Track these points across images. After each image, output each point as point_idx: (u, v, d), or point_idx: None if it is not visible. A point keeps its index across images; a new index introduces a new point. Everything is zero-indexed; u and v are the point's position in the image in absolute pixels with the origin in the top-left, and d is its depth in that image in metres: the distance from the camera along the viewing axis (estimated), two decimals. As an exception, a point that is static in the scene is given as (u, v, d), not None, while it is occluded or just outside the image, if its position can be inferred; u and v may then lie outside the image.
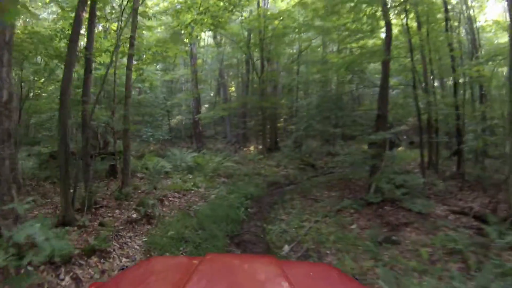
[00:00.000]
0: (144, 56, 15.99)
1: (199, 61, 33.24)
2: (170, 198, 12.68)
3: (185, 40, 18.88)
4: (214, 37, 33.41)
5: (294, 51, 31.22)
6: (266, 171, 19.43)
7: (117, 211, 10.69)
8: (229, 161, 19.62)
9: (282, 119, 33.93)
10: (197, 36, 17.36)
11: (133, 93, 23.13)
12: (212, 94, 36.54)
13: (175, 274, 2.78)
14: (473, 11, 21.32)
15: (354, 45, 19.30)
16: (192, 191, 14.10)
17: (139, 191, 13.08)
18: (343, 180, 17.06)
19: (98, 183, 13.37)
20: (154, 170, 15.77)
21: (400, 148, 28.93)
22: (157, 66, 34.76)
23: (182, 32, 17.34)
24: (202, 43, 38.60)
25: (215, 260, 3.35)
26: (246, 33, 25.08)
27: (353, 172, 17.68)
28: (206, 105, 40.15)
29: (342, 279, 3.20)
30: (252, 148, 29.31)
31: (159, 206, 11.16)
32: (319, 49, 30.78)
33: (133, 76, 16.18)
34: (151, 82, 20.44)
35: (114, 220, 9.79)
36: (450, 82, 22.74)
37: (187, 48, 25.16)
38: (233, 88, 41.45)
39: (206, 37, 38.64)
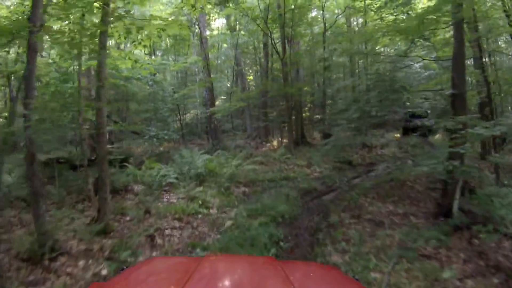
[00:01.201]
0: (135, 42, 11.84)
1: (213, 49, 29.33)
2: (167, 231, 8.79)
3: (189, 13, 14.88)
4: (227, 18, 29.27)
5: (317, 30, 26.90)
6: (295, 174, 15.56)
7: (81, 262, 6.90)
8: (249, 163, 15.67)
9: (306, 108, 29.69)
10: (202, 9, 13.16)
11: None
12: (228, 84, 32.33)
13: (175, 274, 2.74)
14: None
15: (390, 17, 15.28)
16: (200, 216, 10.14)
17: (127, 219, 9.18)
18: (395, 183, 13.06)
19: (74, 206, 9.66)
20: (154, 182, 11.99)
21: (437, 136, 26.02)
22: (169, 57, 31.44)
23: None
24: (215, 31, 34.70)
25: (215, 260, 3.34)
26: (262, 7, 20.64)
27: (404, 172, 14.00)
28: (223, 97, 36.34)
29: (342, 279, 3.12)
30: (275, 143, 25.49)
31: (146, 249, 7.27)
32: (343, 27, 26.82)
33: (128, 64, 13.68)
34: (151, 72, 16.58)
35: (72, 283, 6.12)
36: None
37: (193, 29, 21.28)
38: (251, 77, 37.36)
39: (220, 23, 34.76)
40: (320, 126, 27.46)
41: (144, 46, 12.21)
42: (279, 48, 21.90)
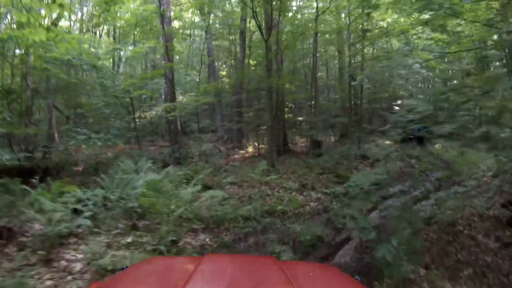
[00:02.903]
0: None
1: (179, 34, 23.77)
2: None
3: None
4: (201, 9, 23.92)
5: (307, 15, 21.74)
6: (284, 204, 10.39)
7: None
8: (216, 190, 10.15)
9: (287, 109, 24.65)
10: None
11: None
12: (199, 79, 26.74)
13: (175, 274, 2.67)
14: None
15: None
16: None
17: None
18: (441, 228, 8.11)
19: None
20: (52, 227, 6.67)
21: (438, 146, 22.29)
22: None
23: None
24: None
25: (214, 260, 3.18)
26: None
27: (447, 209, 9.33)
28: (192, 93, 30.64)
29: (342, 279, 2.96)
30: (250, 148, 20.25)
31: None
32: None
33: (42, 36, 8.10)
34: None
35: None
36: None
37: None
38: (224, 73, 31.72)
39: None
40: (304, 131, 22.26)
41: (60, 5, 6.90)
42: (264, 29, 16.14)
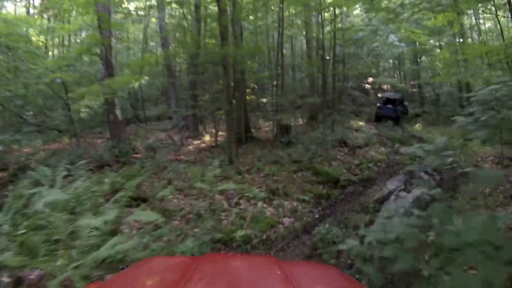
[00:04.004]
0: None
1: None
2: None
3: None
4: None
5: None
6: (248, 225, 7.15)
7: None
8: (156, 198, 7.06)
9: (249, 90, 21.34)
10: None
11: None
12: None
13: (175, 274, 2.48)
14: None
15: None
16: None
17: None
18: None
19: None
20: None
21: (417, 126, 21.13)
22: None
23: None
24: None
25: (215, 260, 3.12)
26: None
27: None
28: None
29: (342, 279, 2.89)
30: (207, 137, 17.00)
31: None
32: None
33: None
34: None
35: None
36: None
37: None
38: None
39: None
40: (269, 114, 19.00)
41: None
42: None
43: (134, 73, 13.94)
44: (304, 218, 7.64)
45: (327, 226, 6.74)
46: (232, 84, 12.60)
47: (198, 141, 16.43)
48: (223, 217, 7.33)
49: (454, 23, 18.79)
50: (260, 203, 8.16)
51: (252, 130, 17.19)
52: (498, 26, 16.02)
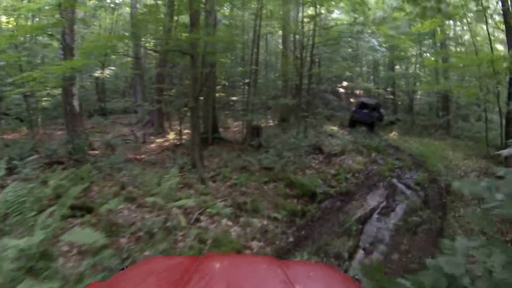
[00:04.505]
0: None
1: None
2: None
3: None
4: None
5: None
6: (209, 250, 5.83)
7: None
8: (102, 209, 5.82)
9: (219, 87, 20.16)
10: None
11: None
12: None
13: (175, 274, 2.43)
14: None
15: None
16: None
17: None
18: None
19: None
20: None
21: (392, 134, 20.23)
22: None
23: None
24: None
25: (215, 260, 2.99)
26: None
27: None
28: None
29: (342, 279, 2.90)
30: (172, 135, 15.71)
31: None
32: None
33: None
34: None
35: None
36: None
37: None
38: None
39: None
40: (239, 113, 17.69)
41: None
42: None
43: (85, 55, 12.14)
44: (277, 242, 6.27)
45: (304, 255, 5.49)
46: (200, 78, 11.15)
47: (162, 139, 15.05)
48: (180, 238, 5.95)
49: (439, 30, 18.27)
50: (224, 221, 6.81)
51: (220, 130, 15.91)
52: (488, 36, 15.41)
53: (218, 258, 3.38)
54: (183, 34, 14.21)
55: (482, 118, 24.21)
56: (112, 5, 24.10)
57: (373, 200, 9.13)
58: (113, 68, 23.48)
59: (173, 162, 10.27)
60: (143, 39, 16.91)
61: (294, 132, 14.95)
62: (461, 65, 12.97)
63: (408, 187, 10.42)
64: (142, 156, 11.91)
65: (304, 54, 16.26)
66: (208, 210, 7.07)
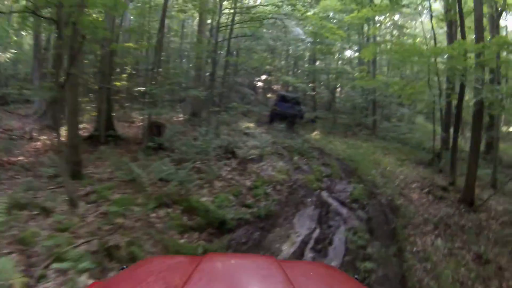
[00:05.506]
0: None
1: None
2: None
3: None
4: None
5: None
6: None
7: None
8: None
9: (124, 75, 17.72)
10: None
11: None
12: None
13: (175, 274, 2.30)
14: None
15: None
16: None
17: None
18: None
19: None
20: None
21: (315, 133, 18.82)
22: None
23: None
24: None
25: (215, 260, 2.83)
26: None
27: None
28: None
29: (342, 279, 2.80)
30: (64, 131, 12.57)
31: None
32: None
33: None
34: None
35: None
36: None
37: None
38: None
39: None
40: (144, 105, 14.96)
41: None
42: None
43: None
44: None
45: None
46: (71, 55, 8.02)
47: (53, 135, 12.04)
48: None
49: (372, 22, 16.99)
50: (83, 278, 4.22)
51: (125, 125, 13.28)
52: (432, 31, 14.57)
53: (218, 257, 3.18)
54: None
55: (404, 119, 23.67)
56: None
57: (302, 225, 6.93)
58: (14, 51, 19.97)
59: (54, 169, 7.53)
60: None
61: (203, 130, 12.43)
62: (416, 57, 11.34)
63: (343, 203, 8.38)
64: (18, 159, 9.15)
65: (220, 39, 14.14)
66: (62, 257, 4.42)
